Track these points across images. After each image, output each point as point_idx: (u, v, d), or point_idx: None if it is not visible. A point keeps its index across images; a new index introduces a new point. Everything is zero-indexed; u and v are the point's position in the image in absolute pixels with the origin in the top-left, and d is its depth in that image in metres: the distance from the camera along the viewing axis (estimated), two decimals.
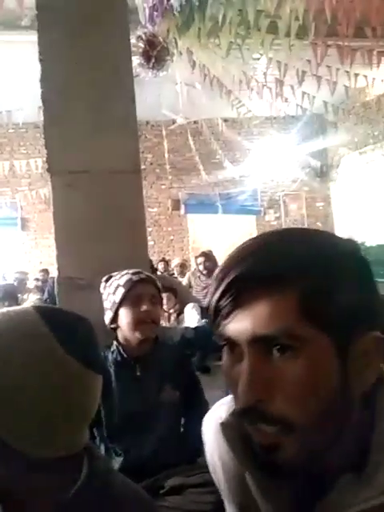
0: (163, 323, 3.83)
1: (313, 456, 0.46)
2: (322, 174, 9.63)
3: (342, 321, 0.44)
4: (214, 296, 0.47)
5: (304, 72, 5.38)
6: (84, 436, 0.62)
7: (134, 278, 1.39)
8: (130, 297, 1.38)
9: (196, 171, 8.49)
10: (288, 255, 0.45)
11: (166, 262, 6.92)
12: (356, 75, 5.61)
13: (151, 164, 9.09)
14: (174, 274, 6.43)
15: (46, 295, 4.22)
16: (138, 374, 1.41)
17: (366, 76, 5.70)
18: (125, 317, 1.39)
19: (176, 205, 9.22)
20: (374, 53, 5.14)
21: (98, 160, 1.83)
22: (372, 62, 5.32)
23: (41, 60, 1.77)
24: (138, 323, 1.38)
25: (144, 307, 1.37)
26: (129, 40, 1.94)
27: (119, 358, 1.43)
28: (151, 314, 1.38)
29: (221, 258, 8.61)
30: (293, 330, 0.43)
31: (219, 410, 0.63)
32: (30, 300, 4.62)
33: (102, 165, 1.82)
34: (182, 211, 9.29)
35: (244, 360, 0.45)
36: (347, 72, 5.41)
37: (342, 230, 9.94)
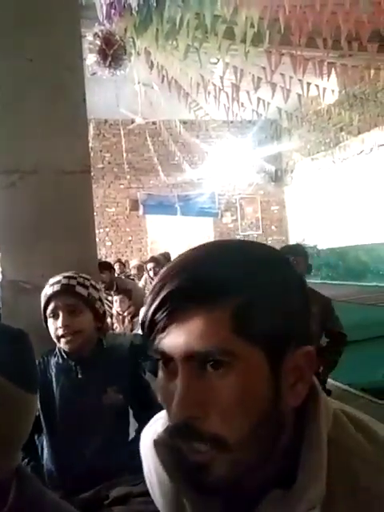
0: (116, 326, 3.81)
1: (245, 472, 0.46)
2: (277, 178, 9.92)
3: (275, 336, 0.45)
4: (150, 309, 0.46)
5: (259, 78, 5.54)
6: (15, 460, 0.58)
7: (49, 291, 1.36)
8: (49, 311, 1.36)
9: (155, 172, 8.50)
10: (221, 272, 0.45)
11: (123, 264, 6.85)
12: (308, 84, 5.84)
13: (109, 163, 9.00)
14: (130, 275, 6.39)
15: None
16: (80, 376, 1.39)
17: (317, 85, 5.94)
18: (50, 329, 1.39)
19: (134, 205, 9.18)
20: (325, 63, 5.37)
21: (46, 160, 1.78)
22: (323, 73, 5.56)
23: None
24: (58, 337, 1.36)
25: (59, 322, 1.34)
26: (80, 38, 1.92)
27: (60, 361, 1.41)
28: (69, 326, 1.34)
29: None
30: (226, 346, 0.43)
31: (156, 425, 0.64)
32: None
33: (50, 165, 1.78)
34: (141, 212, 9.26)
35: (178, 376, 0.45)
36: (300, 80, 5.62)
37: (296, 232, 10.28)
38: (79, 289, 1.38)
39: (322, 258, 9.35)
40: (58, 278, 1.39)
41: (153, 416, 1.55)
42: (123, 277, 6.01)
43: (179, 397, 0.44)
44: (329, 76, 5.66)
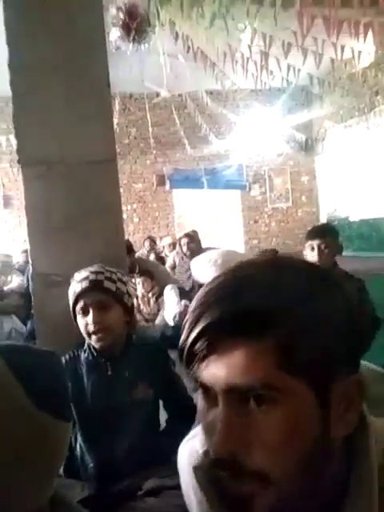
0: (142, 307, 3.82)
1: (289, 506, 0.45)
2: (307, 147, 9.55)
3: (322, 368, 0.43)
4: (188, 340, 0.45)
5: (290, 44, 5.24)
6: (52, 488, 0.58)
7: (78, 288, 1.35)
8: (78, 308, 1.36)
9: (181, 146, 8.34)
10: (264, 301, 0.43)
11: (153, 240, 6.84)
12: (342, 47, 5.50)
13: (135, 138, 8.89)
14: (161, 252, 6.38)
15: (26, 280, 4.16)
16: (109, 373, 1.40)
17: (352, 48, 5.59)
18: (80, 326, 1.38)
19: (161, 180, 9.09)
20: (361, 24, 5.02)
21: (72, 149, 1.75)
22: (358, 34, 5.21)
23: (8, 44, 1.66)
24: (88, 334, 1.36)
25: (90, 318, 1.33)
26: (103, 25, 1.83)
27: (90, 358, 1.42)
28: (100, 322, 1.33)
29: (207, 234, 8.61)
30: (270, 381, 0.42)
31: (194, 442, 0.61)
32: (14, 282, 4.56)
33: (76, 154, 1.75)
34: (167, 187, 9.17)
35: (219, 407, 0.44)
36: (333, 44, 5.29)
37: (327, 203, 9.97)
38: (107, 284, 1.36)
39: (354, 230, 9.06)
40: (84, 273, 1.37)
41: (183, 407, 1.55)
42: (154, 255, 6.03)
43: (220, 431, 0.42)
44: (365, 37, 5.30)
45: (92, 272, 1.37)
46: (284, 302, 0.43)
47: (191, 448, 0.60)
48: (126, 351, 1.43)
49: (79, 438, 1.44)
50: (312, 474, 0.44)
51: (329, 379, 0.44)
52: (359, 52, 5.76)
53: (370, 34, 5.24)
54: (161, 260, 5.64)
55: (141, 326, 2.88)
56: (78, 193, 1.79)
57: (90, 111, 1.76)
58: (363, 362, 1.90)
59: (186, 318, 0.46)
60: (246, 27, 4.88)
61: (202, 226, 8.89)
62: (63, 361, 1.43)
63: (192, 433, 0.65)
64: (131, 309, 1.46)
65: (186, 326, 0.46)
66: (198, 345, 0.44)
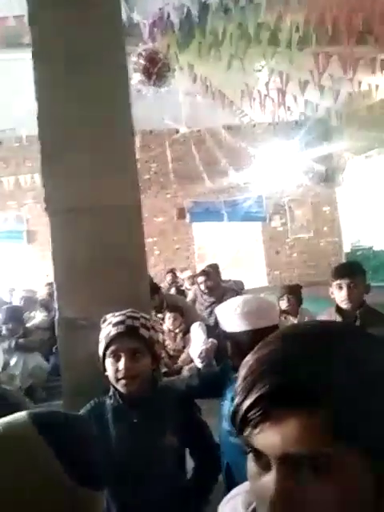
0: (168, 342, 3.80)
1: None
2: (328, 178, 9.56)
3: (377, 435, 0.43)
4: (242, 406, 0.45)
5: (306, 81, 5.34)
6: None
7: (113, 331, 1.33)
8: (110, 352, 1.34)
9: (200, 179, 8.47)
10: (318, 371, 0.43)
11: (174, 273, 6.86)
12: (359, 82, 5.56)
13: (155, 173, 9.09)
14: (182, 285, 6.38)
15: (53, 313, 4.21)
16: (135, 420, 1.37)
17: (369, 83, 5.64)
18: (108, 370, 1.37)
19: (181, 213, 9.20)
20: (378, 60, 5.08)
21: (98, 198, 1.80)
22: (375, 70, 5.27)
23: (37, 98, 1.75)
24: (117, 379, 1.34)
25: (121, 365, 1.32)
26: (127, 75, 1.91)
27: (116, 404, 1.39)
28: (130, 370, 1.31)
29: (227, 265, 8.59)
30: (325, 450, 0.42)
31: (236, 502, 0.60)
32: (37, 318, 4.61)
33: (102, 202, 1.79)
34: (188, 220, 9.27)
35: (272, 473, 0.44)
36: (350, 80, 5.35)
37: (349, 233, 9.86)
38: (143, 331, 1.35)
39: (379, 260, 8.90)
40: (120, 317, 1.36)
41: (209, 455, 1.50)
42: (175, 288, 6.02)
43: (275, 498, 0.43)
44: (382, 72, 5.35)
45: (128, 317, 1.36)
46: (337, 373, 0.43)
47: (233, 508, 0.59)
48: (152, 399, 1.41)
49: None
50: None
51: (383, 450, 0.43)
52: (376, 86, 5.81)
53: None
54: (182, 293, 5.63)
55: (168, 380, 2.85)
56: (102, 239, 1.82)
57: (115, 161, 1.82)
58: None
59: (238, 383, 0.47)
60: (263, 67, 5.01)
61: (223, 257, 8.89)
62: (89, 407, 1.42)
63: (234, 491, 0.64)
64: (159, 357, 1.46)
65: (239, 392, 0.46)
66: (251, 412, 0.44)
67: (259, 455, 0.45)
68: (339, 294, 2.23)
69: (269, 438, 0.43)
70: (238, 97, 5.50)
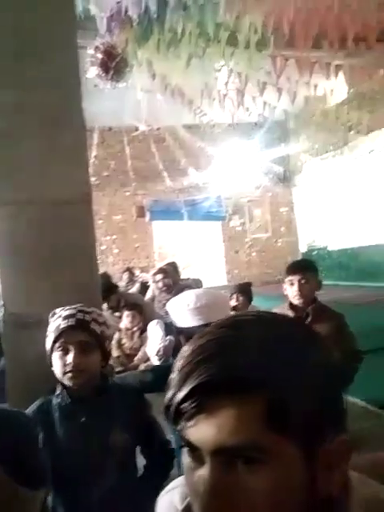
0: (124, 341, 3.74)
1: None
2: (285, 179, 9.80)
3: (310, 428, 0.43)
4: (175, 398, 0.44)
5: (264, 83, 5.43)
6: None
7: (63, 324, 1.29)
8: (58, 345, 1.29)
9: (160, 178, 8.43)
10: (254, 361, 0.43)
11: (132, 272, 6.77)
12: (315, 86, 5.72)
13: (114, 171, 8.96)
14: (147, 282, 6.30)
15: None
16: (84, 419, 1.33)
17: (324, 87, 5.82)
18: (55, 364, 1.32)
19: (141, 212, 9.13)
20: (332, 65, 5.24)
21: (46, 190, 1.73)
22: (330, 74, 5.43)
23: None
24: (64, 373, 1.30)
25: (70, 358, 1.28)
26: (78, 65, 1.85)
27: (63, 403, 1.35)
28: (79, 364, 1.27)
29: (188, 264, 8.61)
30: (259, 442, 0.41)
31: (172, 495, 0.59)
32: None
33: (50, 195, 1.73)
34: (147, 218, 9.20)
35: (206, 467, 0.43)
36: (307, 83, 5.50)
37: (305, 234, 10.15)
38: (94, 325, 1.31)
39: (334, 259, 9.21)
40: (71, 311, 1.32)
41: (161, 452, 1.48)
42: (139, 285, 5.94)
43: (207, 493, 0.42)
44: (336, 77, 5.53)
45: (79, 311, 1.32)
46: (272, 362, 0.43)
47: (170, 501, 0.58)
48: (101, 396, 1.37)
49: (50, 491, 1.35)
50: None
51: (317, 440, 0.43)
52: (331, 90, 6.00)
53: (340, 73, 5.48)
54: (146, 289, 5.57)
55: (119, 376, 2.80)
56: (50, 234, 1.75)
57: (64, 153, 1.75)
58: (347, 398, 1.85)
59: (172, 375, 0.46)
60: (222, 67, 5.04)
61: (184, 256, 8.91)
62: (34, 406, 1.37)
63: (171, 485, 0.63)
64: (109, 354, 1.43)
65: (173, 385, 0.45)
66: (185, 404, 0.43)
67: (194, 449, 0.44)
68: (291, 290, 2.28)
69: (203, 430, 0.42)
70: (198, 96, 5.51)
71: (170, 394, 0.45)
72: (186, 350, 0.47)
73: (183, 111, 6.17)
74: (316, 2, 3.88)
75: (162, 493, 0.64)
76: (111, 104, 6.06)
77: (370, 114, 7.17)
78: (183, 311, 1.45)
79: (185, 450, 0.46)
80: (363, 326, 3.07)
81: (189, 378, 0.43)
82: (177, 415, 0.44)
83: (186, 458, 0.46)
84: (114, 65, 3.77)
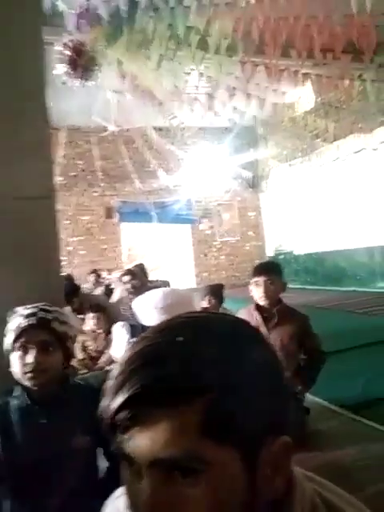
0: (89, 343, 3.68)
1: None
2: (254, 184, 9.94)
3: (250, 433, 0.41)
4: (110, 409, 0.42)
5: (234, 88, 5.50)
6: None
7: (23, 323, 1.26)
8: (18, 344, 1.26)
9: (129, 179, 8.37)
10: (185, 370, 0.41)
11: (98, 275, 6.67)
12: (283, 93, 5.85)
13: (83, 171, 8.82)
14: (111, 286, 6.22)
15: None
16: (44, 421, 1.29)
17: (292, 95, 5.95)
18: (14, 364, 1.28)
19: (109, 213, 9.02)
20: (300, 73, 5.37)
21: (7, 186, 1.68)
22: (298, 82, 5.57)
23: None
24: (24, 373, 1.26)
25: (30, 358, 1.24)
26: (43, 61, 1.81)
27: (22, 405, 1.31)
28: (40, 363, 1.24)
29: (157, 267, 8.57)
30: (196, 453, 0.40)
31: (118, 503, 0.57)
32: None
33: (12, 191, 1.68)
34: (116, 219, 9.11)
35: (144, 481, 0.41)
36: (275, 90, 5.61)
37: (272, 238, 10.33)
38: (55, 325, 1.28)
39: (300, 264, 9.41)
40: (32, 309, 1.28)
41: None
42: (104, 287, 5.86)
43: (146, 507, 0.41)
44: (304, 85, 5.67)
45: (41, 309, 1.28)
46: (206, 369, 0.41)
47: (116, 509, 0.57)
48: (62, 397, 1.33)
49: (6, 495, 1.30)
50: None
51: (256, 443, 0.42)
52: (299, 97, 6.15)
53: (308, 82, 5.63)
54: (111, 293, 5.50)
55: (82, 376, 2.75)
56: (11, 230, 1.70)
57: (27, 149, 1.71)
58: (309, 397, 1.89)
59: (109, 383, 0.44)
60: (192, 71, 5.06)
61: (153, 258, 8.87)
62: None
63: (118, 492, 0.60)
64: (71, 355, 1.40)
65: (107, 394, 0.43)
66: (119, 415, 0.41)
67: (131, 461, 0.42)
68: (257, 291, 2.32)
69: (138, 443, 0.41)
70: (168, 98, 5.52)
71: (104, 404, 0.43)
72: (122, 357, 0.45)
73: (153, 113, 6.16)
74: (285, 11, 3.97)
75: (109, 499, 0.62)
76: (80, 103, 5.98)
77: (336, 122, 7.40)
78: (149, 309, 1.44)
79: (123, 463, 0.44)
80: (327, 329, 3.15)
81: (122, 387, 0.41)
82: (112, 427, 0.42)
83: (124, 471, 0.44)
84: (82, 62, 3.73)
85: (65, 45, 3.81)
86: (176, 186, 9.16)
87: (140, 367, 0.42)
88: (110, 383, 0.43)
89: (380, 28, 4.48)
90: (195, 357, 0.42)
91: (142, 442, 0.41)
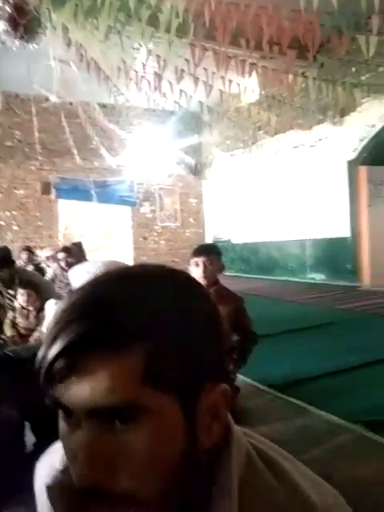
0: (20, 320, 3.54)
1: None
2: (196, 171, 10.00)
3: (188, 380, 0.42)
4: (46, 359, 0.41)
5: (183, 70, 5.46)
6: None
7: None
8: None
9: (70, 155, 8.05)
10: (127, 315, 0.41)
11: (31, 252, 6.39)
12: (230, 81, 5.91)
13: (20, 141, 8.34)
14: (40, 263, 5.99)
15: None
16: None
17: (238, 84, 6.03)
18: None
19: (46, 188, 8.64)
20: (247, 63, 5.46)
21: None
22: (245, 72, 5.65)
23: None
24: None
25: None
26: None
27: None
28: None
29: (96, 247, 8.38)
30: (134, 400, 0.39)
31: (52, 459, 0.57)
32: None
33: None
34: (53, 196, 8.74)
35: (82, 431, 0.41)
36: (222, 78, 5.65)
37: (212, 226, 10.49)
38: None
39: (236, 252, 9.67)
40: None
41: (50, 430, 1.44)
42: (32, 266, 5.63)
43: (84, 459, 0.40)
44: (250, 75, 5.77)
45: None
46: (148, 313, 0.41)
47: (50, 462, 0.56)
48: None
49: None
50: (180, 489, 0.43)
51: (196, 390, 0.43)
52: (245, 88, 6.25)
53: (254, 74, 5.73)
54: (40, 271, 5.29)
55: (9, 348, 2.64)
56: None
57: None
58: (240, 377, 1.97)
59: (45, 334, 0.43)
60: (141, 47, 4.95)
61: (91, 239, 8.66)
62: None
63: (52, 447, 0.60)
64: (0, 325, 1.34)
65: (44, 345, 0.42)
66: (56, 365, 0.40)
67: (68, 412, 0.42)
68: (196, 271, 2.37)
69: (76, 392, 0.40)
70: (115, 74, 5.36)
71: (40, 354, 0.42)
72: (57, 309, 0.44)
73: (99, 89, 5.95)
74: None
75: (42, 456, 0.61)
76: (20, 68, 5.61)
77: (278, 116, 7.62)
78: (87, 276, 1.41)
79: (60, 414, 0.44)
80: (258, 315, 3.29)
81: (59, 337, 0.41)
82: (48, 378, 0.42)
83: (61, 422, 0.44)
84: (24, 22, 3.51)
85: (5, 1, 3.55)
86: (118, 166, 8.97)
87: (77, 316, 0.41)
88: (45, 335, 0.43)
89: (324, 28, 4.66)
90: (133, 304, 0.42)
91: (80, 390, 0.40)
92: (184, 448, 0.42)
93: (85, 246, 5.67)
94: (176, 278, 0.48)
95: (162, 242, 10.11)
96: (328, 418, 2.30)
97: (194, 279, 0.50)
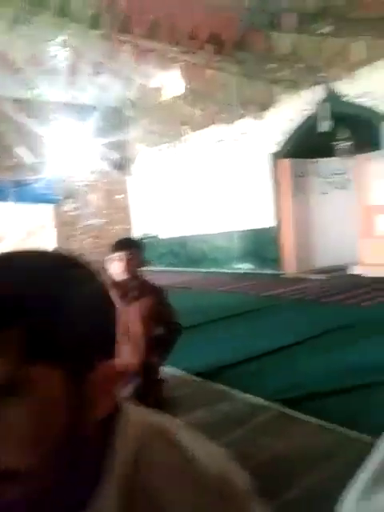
0: None
1: (45, 499, 0.44)
2: (121, 166, 9.85)
3: (75, 355, 0.42)
4: None
5: (100, 63, 5.34)
6: None
7: None
8: None
9: None
10: (9, 288, 0.41)
11: None
12: (151, 77, 5.89)
13: None
14: None
15: None
16: None
17: (160, 78, 6.03)
18: None
19: None
20: (167, 57, 5.46)
21: None
22: (165, 66, 5.65)
23: None
24: None
25: None
26: None
27: None
28: None
29: (16, 248, 7.92)
30: (17, 373, 0.39)
31: None
32: None
33: None
34: None
35: None
36: (142, 72, 5.62)
37: (139, 222, 10.43)
38: None
39: (165, 247, 9.71)
40: None
41: None
42: None
43: None
44: (170, 69, 5.79)
45: None
46: (33, 287, 0.42)
47: None
48: None
49: None
50: (66, 464, 0.43)
51: (81, 365, 0.43)
52: (168, 82, 6.26)
53: (177, 68, 5.75)
54: None
55: None
56: None
57: None
58: (166, 368, 1.98)
59: None
60: (54, 39, 4.76)
61: (12, 240, 8.22)
62: None
63: None
64: None
65: None
66: None
67: None
68: (119, 265, 2.35)
69: None
70: (27, 65, 5.11)
71: None
72: None
73: (10, 82, 5.64)
74: None
75: None
76: None
77: (202, 111, 7.73)
78: None
79: None
80: (186, 306, 3.34)
81: None
82: None
83: None
84: None
85: None
86: (36, 163, 8.56)
87: None
88: None
89: (242, 24, 4.79)
90: (12, 279, 0.42)
91: None
92: (69, 421, 0.42)
93: (3, 248, 5.36)
94: (58, 254, 0.49)
95: (89, 239, 9.85)
96: (250, 400, 2.41)
97: (75, 257, 0.50)
